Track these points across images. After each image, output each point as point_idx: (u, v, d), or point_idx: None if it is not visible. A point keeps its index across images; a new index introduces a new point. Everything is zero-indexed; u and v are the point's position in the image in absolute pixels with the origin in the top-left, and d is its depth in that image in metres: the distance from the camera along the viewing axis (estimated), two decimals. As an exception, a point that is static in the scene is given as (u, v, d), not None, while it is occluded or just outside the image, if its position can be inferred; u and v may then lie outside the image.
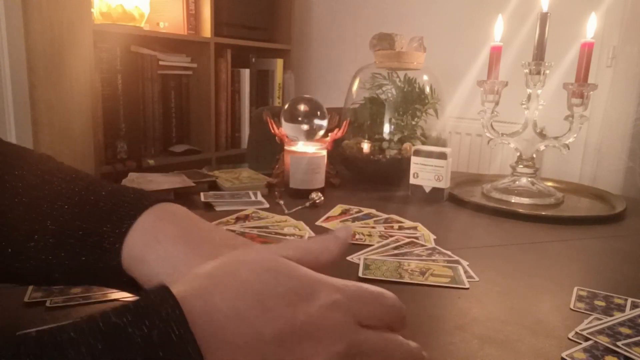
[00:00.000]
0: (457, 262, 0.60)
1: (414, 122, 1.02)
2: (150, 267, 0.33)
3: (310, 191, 0.85)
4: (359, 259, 0.59)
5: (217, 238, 0.35)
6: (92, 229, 0.34)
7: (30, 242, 0.35)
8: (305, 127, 0.90)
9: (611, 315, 0.47)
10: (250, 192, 0.87)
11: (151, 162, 1.89)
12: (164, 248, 0.33)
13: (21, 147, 0.41)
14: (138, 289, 0.35)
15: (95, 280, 0.37)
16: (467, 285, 0.54)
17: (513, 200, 0.89)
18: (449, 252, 0.63)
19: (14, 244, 0.35)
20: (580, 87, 0.86)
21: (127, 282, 0.35)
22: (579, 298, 0.51)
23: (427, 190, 0.91)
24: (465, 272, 0.57)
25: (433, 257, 0.61)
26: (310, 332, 0.27)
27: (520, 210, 0.83)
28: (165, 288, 0.25)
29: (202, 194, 0.83)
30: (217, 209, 0.79)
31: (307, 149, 0.89)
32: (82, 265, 0.35)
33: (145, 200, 0.36)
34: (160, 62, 1.98)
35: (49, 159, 0.40)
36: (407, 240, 0.67)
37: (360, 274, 0.55)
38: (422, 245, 0.65)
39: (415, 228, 0.73)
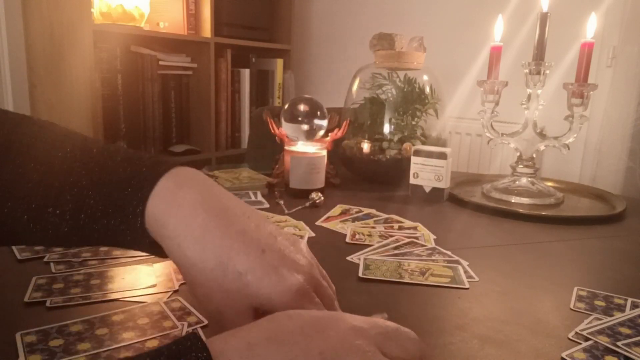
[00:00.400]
0: (457, 262, 0.60)
1: (414, 122, 1.02)
2: (169, 231, 0.33)
3: (310, 191, 0.85)
4: (359, 259, 0.59)
5: (233, 206, 0.35)
6: (113, 193, 0.34)
7: (48, 209, 0.34)
8: (305, 127, 0.90)
9: (611, 315, 0.47)
10: (250, 192, 0.87)
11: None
12: (184, 213, 0.33)
13: (21, 114, 0.40)
14: (161, 251, 0.35)
15: (117, 243, 0.36)
16: (467, 285, 0.54)
17: (513, 200, 0.89)
18: (449, 252, 0.63)
19: (31, 211, 0.35)
20: (580, 87, 0.86)
21: (151, 244, 0.35)
22: (579, 298, 0.51)
23: (427, 190, 0.91)
24: (465, 272, 0.57)
25: (433, 257, 0.61)
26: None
27: (520, 210, 0.83)
28: (195, 335, 0.27)
29: (202, 194, 0.83)
30: (217, 209, 0.79)
31: (307, 149, 0.89)
32: (104, 229, 0.35)
33: (163, 164, 0.36)
34: (160, 62, 1.98)
35: (52, 125, 0.39)
36: (407, 240, 0.67)
37: (360, 274, 0.55)
38: (422, 245, 0.65)
39: (415, 228, 0.73)
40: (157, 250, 0.36)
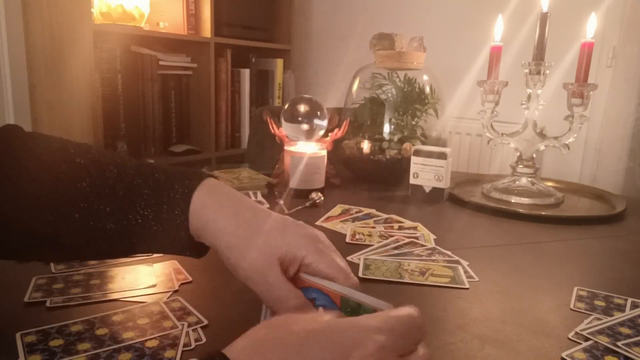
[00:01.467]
0: (457, 262, 0.60)
1: (414, 122, 1.02)
2: (210, 223, 0.40)
3: (310, 191, 0.85)
4: (359, 259, 0.59)
5: (254, 204, 0.42)
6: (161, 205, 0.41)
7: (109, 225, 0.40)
8: (305, 127, 0.90)
9: (611, 315, 0.47)
10: (250, 192, 0.87)
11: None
12: (217, 209, 0.40)
13: (58, 138, 0.44)
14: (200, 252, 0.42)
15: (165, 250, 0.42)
16: (467, 285, 0.54)
17: (513, 200, 0.89)
18: (449, 252, 0.63)
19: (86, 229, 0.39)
20: (580, 87, 0.86)
21: (189, 239, 0.40)
22: (579, 298, 0.51)
23: (427, 190, 0.91)
24: (465, 272, 0.57)
25: (433, 257, 0.61)
26: None
27: (520, 210, 0.83)
28: (220, 354, 0.28)
29: (202, 194, 0.83)
30: (217, 209, 0.79)
31: (307, 149, 0.89)
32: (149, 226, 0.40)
33: (196, 177, 0.42)
34: (160, 62, 1.98)
35: (89, 148, 0.45)
36: (407, 240, 0.67)
37: (360, 274, 0.55)
38: (422, 245, 0.65)
39: (415, 228, 0.73)
40: (193, 248, 0.41)
